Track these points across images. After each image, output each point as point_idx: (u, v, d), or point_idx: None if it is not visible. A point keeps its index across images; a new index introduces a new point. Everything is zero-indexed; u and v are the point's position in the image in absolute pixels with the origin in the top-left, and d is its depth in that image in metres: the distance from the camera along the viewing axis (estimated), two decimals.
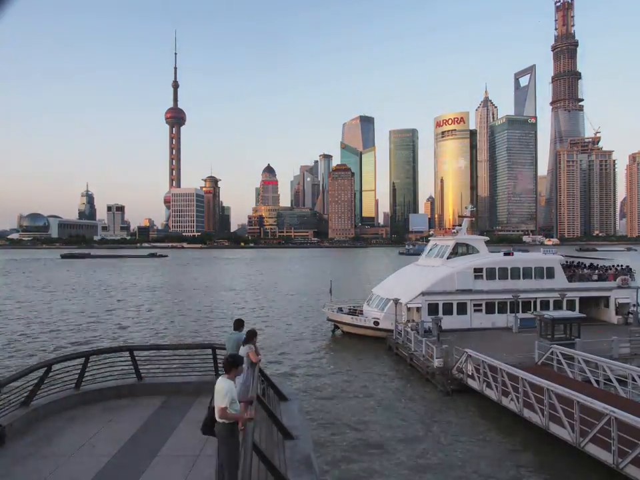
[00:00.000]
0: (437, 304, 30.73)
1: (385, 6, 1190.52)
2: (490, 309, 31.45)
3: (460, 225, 38.33)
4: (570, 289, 32.10)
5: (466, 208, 42.18)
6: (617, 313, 32.76)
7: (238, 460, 5.73)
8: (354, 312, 34.33)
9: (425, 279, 32.45)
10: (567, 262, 35.75)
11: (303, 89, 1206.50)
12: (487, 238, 39.11)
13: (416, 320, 29.95)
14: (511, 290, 31.23)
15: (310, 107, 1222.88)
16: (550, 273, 32.80)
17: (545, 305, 31.56)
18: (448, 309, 30.78)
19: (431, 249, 37.45)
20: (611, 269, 35.58)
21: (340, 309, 35.26)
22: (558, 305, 31.04)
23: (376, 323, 31.78)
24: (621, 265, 36.74)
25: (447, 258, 34.29)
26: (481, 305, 31.39)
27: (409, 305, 30.89)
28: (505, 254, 34.03)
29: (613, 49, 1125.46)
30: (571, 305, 31.57)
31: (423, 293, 30.85)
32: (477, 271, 32.00)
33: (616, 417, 12.25)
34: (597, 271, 35.05)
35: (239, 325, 10.63)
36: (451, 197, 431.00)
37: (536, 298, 31.85)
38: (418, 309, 30.71)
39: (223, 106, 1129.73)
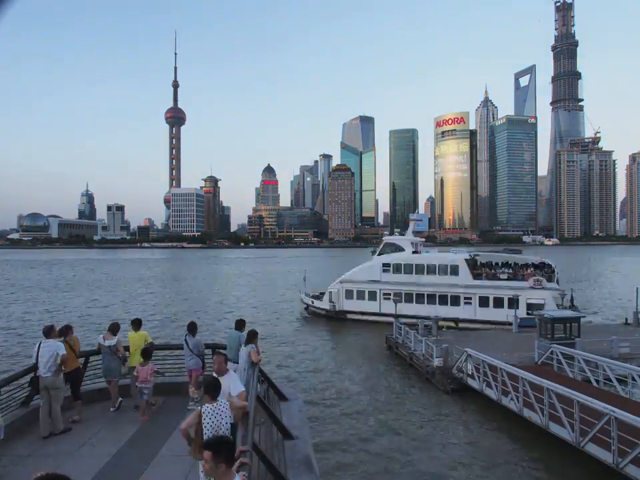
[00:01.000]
0: (352, 290, 38.07)
1: (385, 6, 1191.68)
2: (396, 298, 34.12)
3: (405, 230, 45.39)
4: (473, 285, 34.39)
5: (412, 214, 46.70)
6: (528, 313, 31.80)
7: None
8: (318, 297, 41.60)
9: (350, 270, 39.69)
10: (476, 260, 37.72)
11: (303, 89, 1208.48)
12: (421, 240, 45.32)
13: (335, 302, 38.52)
14: (415, 283, 35.84)
15: (310, 107, 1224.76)
16: (454, 270, 35.29)
17: (445, 299, 34.67)
18: (361, 295, 37.67)
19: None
20: (529, 267, 35.46)
21: (307, 294, 43.25)
22: (455, 301, 34.28)
23: (312, 302, 41.54)
24: (544, 262, 35.96)
25: (378, 254, 39.57)
26: (389, 294, 35.72)
27: (330, 290, 39.35)
28: (413, 252, 38.57)
29: (613, 49, 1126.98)
30: (482, 302, 33.75)
31: (341, 281, 38.76)
32: (385, 265, 37.40)
33: (616, 417, 12.26)
34: (510, 270, 35.42)
35: (240, 324, 10.67)
36: (451, 197, 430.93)
37: (439, 292, 35.07)
38: (336, 293, 38.48)
39: (223, 106, 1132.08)
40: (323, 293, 41.60)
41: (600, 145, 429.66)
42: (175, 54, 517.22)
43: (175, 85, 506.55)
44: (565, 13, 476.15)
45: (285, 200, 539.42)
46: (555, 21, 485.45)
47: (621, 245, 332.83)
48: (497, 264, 37.72)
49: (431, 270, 35.98)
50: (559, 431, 14.72)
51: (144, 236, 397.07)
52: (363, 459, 14.97)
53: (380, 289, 36.98)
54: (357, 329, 35.55)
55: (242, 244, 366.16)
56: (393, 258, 37.90)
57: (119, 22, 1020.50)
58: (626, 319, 32.31)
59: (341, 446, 15.88)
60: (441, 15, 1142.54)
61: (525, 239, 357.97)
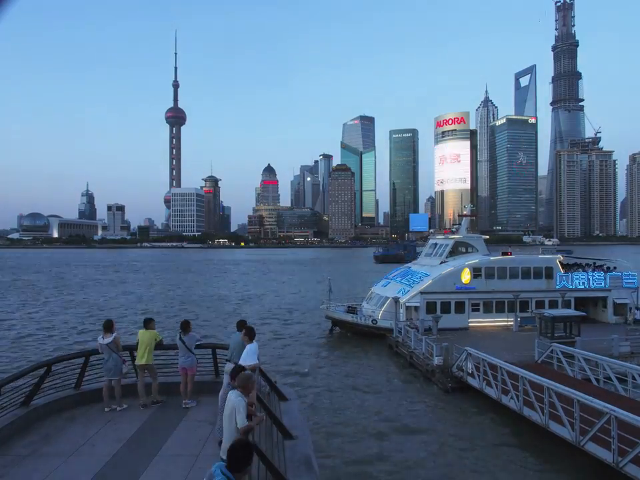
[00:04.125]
0: (435, 302, 30.95)
1: (385, 6, 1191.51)
2: (487, 308, 31.59)
3: (459, 224, 38.31)
4: (568, 289, 32.19)
5: (465, 207, 42.19)
6: (615, 313, 32.70)
7: None
8: (352, 310, 34.28)
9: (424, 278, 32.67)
10: (566, 262, 35.74)
11: (303, 89, 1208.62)
12: (487, 237, 39.10)
13: (414, 319, 30.13)
14: (509, 290, 31.29)
15: (310, 107, 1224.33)
16: (549, 273, 32.81)
17: (541, 304, 31.53)
18: (446, 308, 30.85)
19: (430, 248, 37.54)
20: (612, 269, 35.48)
21: (338, 307, 35.24)
22: (554, 305, 31.12)
23: (374, 322, 31.81)
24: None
25: (446, 257, 34.44)
26: (478, 304, 31.53)
27: (407, 304, 31.08)
28: (503, 254, 34.07)
29: (613, 49, 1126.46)
30: (567, 305, 31.56)
31: (421, 292, 31.07)
32: (476, 270, 32.04)
33: (616, 416, 12.25)
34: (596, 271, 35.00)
35: (241, 325, 10.57)
36: (451, 197, 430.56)
37: (532, 298, 31.85)
38: (416, 308, 30.92)
39: (223, 106, 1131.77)
40: (352, 307, 34.86)
41: (600, 145, 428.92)
42: (175, 54, 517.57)
43: (175, 85, 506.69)
44: (565, 12, 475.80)
45: (285, 200, 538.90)
46: (555, 21, 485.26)
47: (621, 244, 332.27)
48: (587, 265, 36.68)
49: (526, 273, 32.30)
50: (559, 430, 14.70)
51: (144, 236, 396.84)
52: (362, 458, 14.95)
53: (468, 299, 31.32)
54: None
55: (242, 244, 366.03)
56: (482, 261, 32.57)
57: (119, 21, 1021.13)
58: (626, 318, 32.33)
59: (340, 445, 15.87)
60: (440, 15, 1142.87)
61: (525, 239, 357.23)
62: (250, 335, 9.66)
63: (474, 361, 20.25)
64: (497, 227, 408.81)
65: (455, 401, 19.93)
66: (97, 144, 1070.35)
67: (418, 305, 30.79)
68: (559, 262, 33.68)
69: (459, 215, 49.56)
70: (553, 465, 14.33)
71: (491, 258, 33.30)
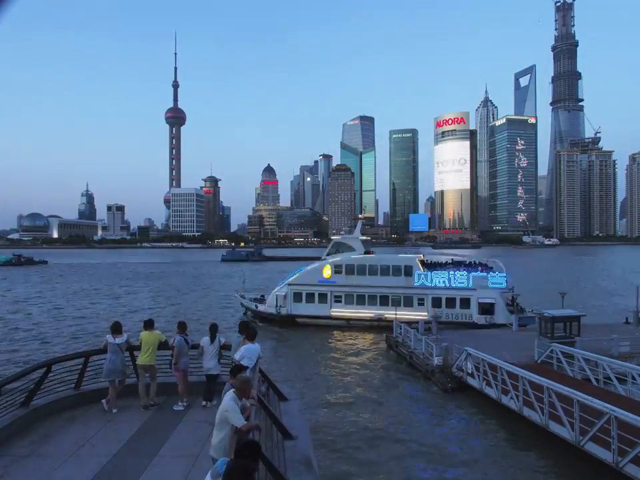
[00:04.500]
0: (301, 293, 36.16)
1: (385, 6, 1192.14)
2: (349, 300, 35.34)
3: (354, 227, 42.69)
4: (428, 287, 33.98)
5: (364, 209, 45.78)
6: (480, 313, 33.04)
7: None
8: (260, 300, 39.62)
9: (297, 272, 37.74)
10: (429, 261, 37.90)
11: (303, 89, 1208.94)
12: (367, 237, 43.85)
13: (284, 306, 36.02)
14: (368, 285, 34.89)
15: (310, 106, 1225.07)
16: (408, 271, 34.80)
17: (397, 301, 33.84)
18: (310, 298, 35.97)
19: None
20: (480, 266, 36.01)
21: (243, 296, 41.44)
22: (409, 302, 33.94)
23: (256, 306, 38.64)
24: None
25: (326, 255, 38.09)
26: (340, 296, 35.51)
27: (277, 293, 36.89)
28: (365, 253, 37.38)
29: (613, 49, 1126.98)
30: (436, 304, 33.30)
31: (289, 284, 36.55)
32: (337, 267, 36.00)
33: (616, 416, 12.25)
34: (460, 269, 35.54)
35: (242, 327, 10.55)
36: (451, 197, 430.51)
37: (391, 294, 34.46)
38: (285, 297, 36.15)
39: (223, 106, 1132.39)
40: (263, 296, 40.31)
41: (600, 145, 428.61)
42: (175, 54, 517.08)
43: (175, 85, 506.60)
44: (565, 13, 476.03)
45: (285, 200, 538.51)
46: (555, 21, 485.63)
47: (621, 245, 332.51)
48: (446, 263, 38.46)
49: (385, 271, 35.18)
50: (558, 430, 14.70)
51: (144, 236, 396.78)
52: (362, 458, 14.95)
53: (331, 291, 35.65)
54: (353, 330, 35.49)
55: (242, 244, 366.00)
56: (344, 259, 36.45)
57: (119, 22, 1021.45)
58: (626, 318, 32.33)
59: (340, 445, 15.86)
60: (441, 15, 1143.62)
61: (525, 239, 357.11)
62: (249, 335, 9.77)
63: (474, 361, 20.25)
64: (497, 227, 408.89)
65: (455, 401, 19.92)
66: (96, 144, 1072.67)
67: (285, 294, 36.12)
68: (420, 261, 35.67)
69: (353, 219, 54.08)
70: (552, 465, 14.33)
71: (352, 256, 36.74)
